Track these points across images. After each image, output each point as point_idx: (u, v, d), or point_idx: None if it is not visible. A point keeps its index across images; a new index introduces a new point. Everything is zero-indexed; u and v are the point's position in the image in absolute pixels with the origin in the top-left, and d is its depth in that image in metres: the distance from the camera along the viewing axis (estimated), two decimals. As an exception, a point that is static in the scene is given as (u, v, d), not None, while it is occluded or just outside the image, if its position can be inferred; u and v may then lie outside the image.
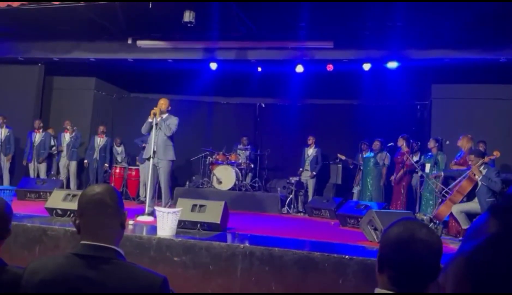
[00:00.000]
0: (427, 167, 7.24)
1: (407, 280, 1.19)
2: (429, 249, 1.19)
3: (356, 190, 8.76)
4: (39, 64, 10.17)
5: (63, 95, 10.73)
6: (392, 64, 8.48)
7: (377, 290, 1.24)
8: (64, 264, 1.46)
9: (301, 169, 9.27)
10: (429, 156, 7.39)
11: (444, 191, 5.79)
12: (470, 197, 5.57)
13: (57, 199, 5.46)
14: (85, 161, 9.60)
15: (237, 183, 8.96)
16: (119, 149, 9.96)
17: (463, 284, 0.46)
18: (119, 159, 9.86)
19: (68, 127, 9.52)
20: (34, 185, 8.09)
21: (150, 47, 9.01)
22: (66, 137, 9.51)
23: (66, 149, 9.44)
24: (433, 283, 1.20)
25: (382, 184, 8.18)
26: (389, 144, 8.01)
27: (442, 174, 6.46)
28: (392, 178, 8.01)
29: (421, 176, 7.44)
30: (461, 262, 0.48)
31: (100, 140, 9.64)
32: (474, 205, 5.51)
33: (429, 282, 1.20)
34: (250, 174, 9.80)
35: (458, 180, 5.82)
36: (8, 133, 9.26)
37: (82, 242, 1.50)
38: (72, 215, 5.17)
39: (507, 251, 0.44)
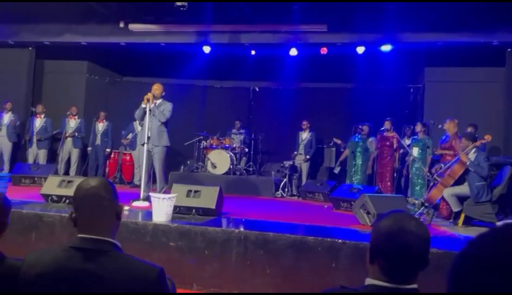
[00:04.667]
0: (415, 150, 7.36)
1: (398, 269, 1.24)
2: (419, 240, 1.24)
3: (337, 170, 8.89)
4: (30, 48, 10.03)
5: (55, 80, 10.61)
6: (386, 48, 8.47)
7: (368, 280, 1.29)
8: (61, 257, 1.49)
9: (295, 153, 9.32)
10: (415, 140, 7.51)
11: (436, 174, 5.86)
12: (460, 181, 5.65)
13: (52, 185, 5.47)
14: (89, 148, 9.54)
15: (231, 167, 9.00)
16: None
17: (455, 279, 0.49)
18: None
19: (74, 113, 9.40)
20: (28, 170, 8.08)
21: (142, 31, 8.90)
22: (71, 123, 9.40)
23: (71, 136, 9.33)
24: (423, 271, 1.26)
25: (375, 169, 8.26)
26: (382, 128, 8.06)
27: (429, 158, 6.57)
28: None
29: (404, 160, 7.64)
30: (455, 259, 0.51)
31: (100, 126, 9.58)
32: (465, 188, 5.60)
33: (418, 270, 1.26)
34: (244, 158, 9.83)
35: (449, 164, 5.89)
36: (13, 118, 9.19)
37: (79, 235, 1.52)
38: (67, 202, 5.19)
39: (499, 245, 0.47)
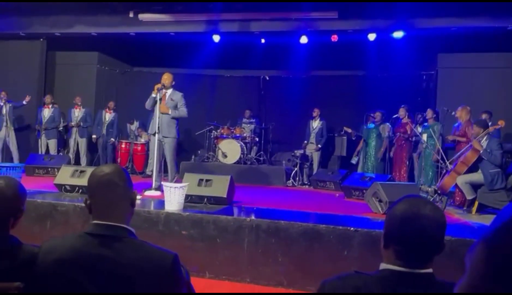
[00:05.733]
0: (424, 136, 7.33)
1: (413, 254, 1.23)
2: (435, 224, 1.23)
3: (354, 160, 8.82)
4: (41, 39, 10.09)
5: (66, 71, 10.69)
6: (398, 34, 8.34)
7: (383, 265, 1.28)
8: (77, 243, 1.50)
9: (305, 142, 9.28)
10: (425, 126, 7.47)
11: (449, 162, 5.80)
12: (473, 168, 5.58)
13: (65, 175, 5.54)
14: (93, 136, 9.62)
15: (242, 156, 9.01)
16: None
17: (481, 268, 0.47)
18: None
19: (78, 103, 9.46)
20: (42, 161, 8.20)
21: (151, 21, 8.89)
22: (76, 113, 9.48)
23: (76, 125, 9.41)
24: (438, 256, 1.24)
25: (386, 156, 8.20)
26: (394, 116, 7.98)
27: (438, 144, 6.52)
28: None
29: (417, 147, 7.59)
30: (479, 247, 0.49)
31: (107, 116, 9.64)
32: (478, 176, 5.52)
33: (434, 255, 1.25)
34: (255, 147, 9.83)
35: (462, 151, 5.81)
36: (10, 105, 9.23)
37: (93, 221, 1.54)
38: (80, 191, 5.26)
39: None
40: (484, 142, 5.56)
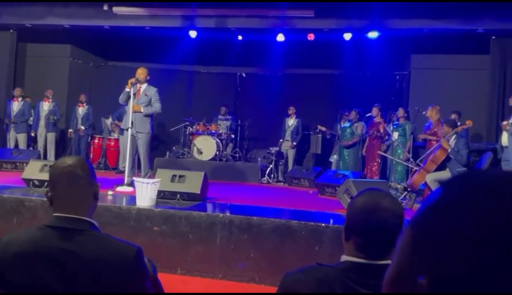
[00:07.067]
0: (395, 134, 7.51)
1: (373, 245, 1.25)
2: (393, 215, 1.25)
3: (333, 158, 8.92)
4: (11, 31, 9.78)
5: (37, 63, 10.39)
6: (373, 34, 8.47)
7: (344, 257, 1.31)
8: (37, 235, 1.47)
9: (281, 140, 9.33)
10: (396, 125, 7.66)
11: (419, 160, 5.94)
12: (442, 166, 5.73)
13: (34, 170, 5.40)
14: (70, 130, 9.37)
15: (217, 153, 8.97)
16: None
17: (407, 252, 0.48)
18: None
19: (49, 96, 9.18)
20: (10, 155, 7.97)
21: (127, 14, 8.74)
22: (45, 106, 9.20)
23: (44, 119, 9.15)
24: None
25: (360, 154, 8.33)
26: (368, 115, 8.12)
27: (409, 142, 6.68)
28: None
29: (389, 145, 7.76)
30: (406, 231, 0.50)
31: (81, 110, 9.42)
32: (446, 174, 5.68)
33: (393, 246, 1.28)
34: (230, 144, 9.81)
35: (432, 149, 5.96)
36: None
37: (54, 214, 1.50)
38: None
39: (444, 216, 0.46)
40: (452, 141, 5.72)
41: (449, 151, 5.58)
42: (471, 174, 0.50)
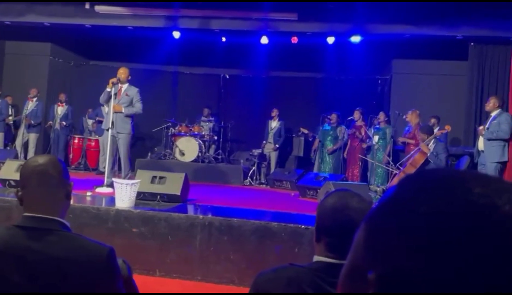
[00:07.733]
0: (375, 138, 7.63)
1: (343, 245, 1.26)
2: (361, 215, 1.26)
3: (315, 159, 9.02)
4: (-11, 28, 9.57)
5: (16, 61, 10.18)
6: (356, 39, 8.57)
7: (315, 258, 1.32)
8: (6, 235, 1.44)
9: (264, 142, 9.34)
10: (377, 128, 7.79)
11: (398, 163, 6.03)
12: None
13: (10, 170, 5.29)
14: (49, 122, 9.16)
15: (200, 154, 8.94)
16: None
17: (361, 248, 0.49)
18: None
19: (32, 95, 8.95)
20: (-15, 155, 7.76)
21: (109, 13, 8.63)
22: (29, 106, 9.01)
23: (25, 119, 8.95)
24: None
25: (341, 156, 8.41)
26: (349, 118, 8.21)
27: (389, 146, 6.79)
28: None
29: (368, 148, 7.88)
30: (361, 226, 0.51)
31: (60, 109, 9.25)
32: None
33: None
34: (213, 146, 9.78)
35: (412, 153, 6.06)
36: None
37: (24, 214, 1.47)
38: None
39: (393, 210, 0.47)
40: (431, 145, 5.82)
41: (428, 154, 5.68)
42: (425, 173, 0.51)
